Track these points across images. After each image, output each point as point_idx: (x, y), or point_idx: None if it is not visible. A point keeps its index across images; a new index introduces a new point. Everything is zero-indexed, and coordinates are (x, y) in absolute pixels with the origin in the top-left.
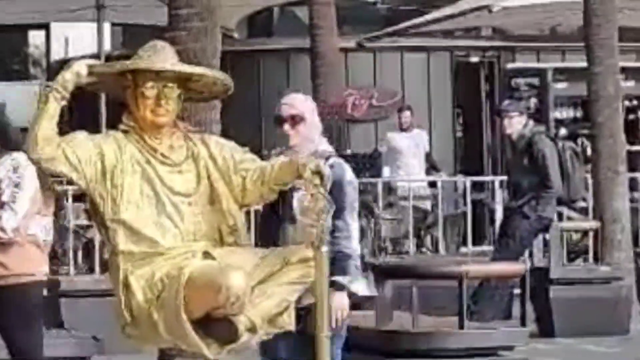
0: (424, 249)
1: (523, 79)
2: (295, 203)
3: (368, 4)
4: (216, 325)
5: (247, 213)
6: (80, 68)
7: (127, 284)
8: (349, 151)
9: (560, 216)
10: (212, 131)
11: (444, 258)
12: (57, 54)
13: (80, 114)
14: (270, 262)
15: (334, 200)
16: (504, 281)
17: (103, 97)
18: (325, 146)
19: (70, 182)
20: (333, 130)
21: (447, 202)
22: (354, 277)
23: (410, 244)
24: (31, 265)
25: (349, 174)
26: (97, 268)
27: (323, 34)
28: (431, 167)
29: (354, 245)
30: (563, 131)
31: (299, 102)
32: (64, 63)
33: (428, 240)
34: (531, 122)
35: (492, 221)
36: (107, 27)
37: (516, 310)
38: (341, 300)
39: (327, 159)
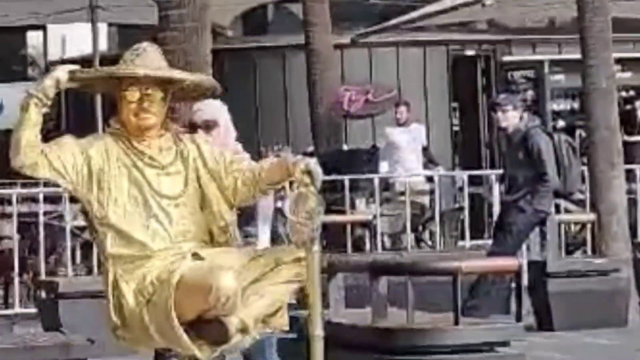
0: (422, 244)
1: (519, 72)
2: (286, 203)
3: None
4: (207, 327)
5: None
6: (60, 75)
7: (118, 288)
8: (346, 147)
9: (557, 208)
10: None
11: (440, 253)
12: (54, 55)
13: (76, 113)
14: (262, 262)
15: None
16: (501, 276)
17: (99, 96)
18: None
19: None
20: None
21: (445, 197)
22: None
23: (408, 239)
24: None
25: None
26: (95, 269)
27: (317, 30)
28: (429, 161)
29: None
30: (560, 123)
31: (213, 109)
32: (61, 63)
33: (426, 235)
34: (527, 116)
35: (490, 215)
36: (103, 27)
37: (514, 305)
38: None
39: None
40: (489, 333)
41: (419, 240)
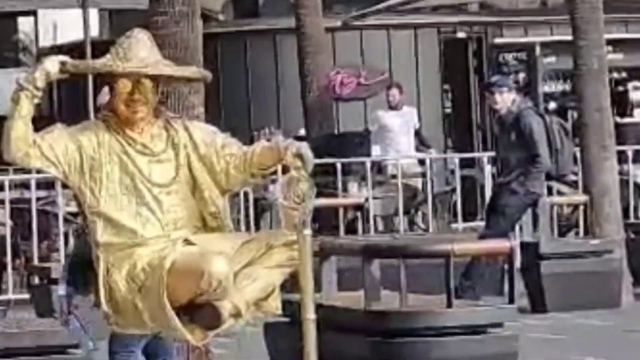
0: (414, 227)
1: (511, 54)
2: (277, 187)
3: None
4: (200, 311)
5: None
6: (50, 67)
7: (110, 276)
8: (337, 130)
9: (550, 190)
10: (196, 115)
11: (433, 236)
12: (45, 41)
13: (67, 99)
14: (254, 246)
15: None
16: (494, 258)
17: (91, 83)
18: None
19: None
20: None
21: (437, 179)
22: None
23: (401, 222)
24: None
25: None
26: None
27: (308, 13)
28: (421, 143)
29: None
30: (552, 105)
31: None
32: (53, 49)
33: (419, 217)
34: (519, 98)
35: (483, 197)
36: (94, 12)
37: (507, 286)
38: None
39: None
40: (482, 315)
41: (411, 223)
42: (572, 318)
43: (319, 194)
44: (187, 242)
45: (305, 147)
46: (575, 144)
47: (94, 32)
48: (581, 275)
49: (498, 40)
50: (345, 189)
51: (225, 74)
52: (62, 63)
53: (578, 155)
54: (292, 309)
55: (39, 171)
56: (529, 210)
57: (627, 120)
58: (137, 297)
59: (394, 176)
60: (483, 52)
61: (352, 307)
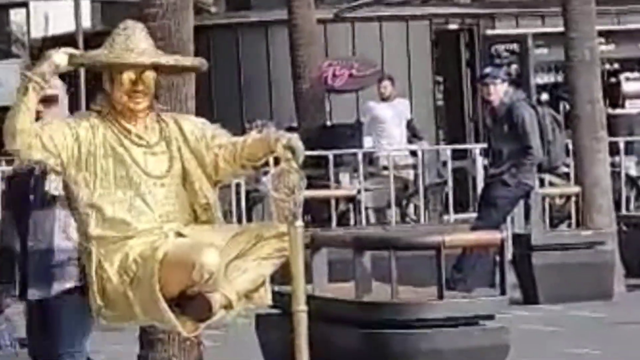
0: (406, 219)
1: (503, 46)
2: (268, 178)
3: None
4: (191, 303)
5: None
6: (59, 59)
7: (102, 269)
8: (329, 122)
9: (542, 182)
10: (188, 107)
11: (424, 227)
12: (37, 32)
13: None
14: (244, 238)
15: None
16: (485, 250)
17: (82, 74)
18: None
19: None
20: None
21: (429, 171)
22: None
23: (393, 214)
24: None
25: None
26: None
27: (300, 5)
28: (413, 135)
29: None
30: (544, 96)
31: (56, 82)
32: (44, 41)
33: (411, 209)
34: (511, 89)
35: (475, 189)
36: (86, 4)
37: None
38: None
39: None
40: (473, 307)
41: (403, 215)
42: (563, 310)
43: (310, 186)
44: (179, 234)
45: (295, 139)
46: (567, 135)
47: (86, 23)
48: (573, 267)
49: (490, 32)
50: (337, 181)
51: (217, 67)
52: (71, 55)
53: (570, 146)
54: (283, 301)
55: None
56: (521, 202)
57: (619, 111)
58: (128, 289)
59: (386, 168)
60: (475, 44)
61: (343, 299)
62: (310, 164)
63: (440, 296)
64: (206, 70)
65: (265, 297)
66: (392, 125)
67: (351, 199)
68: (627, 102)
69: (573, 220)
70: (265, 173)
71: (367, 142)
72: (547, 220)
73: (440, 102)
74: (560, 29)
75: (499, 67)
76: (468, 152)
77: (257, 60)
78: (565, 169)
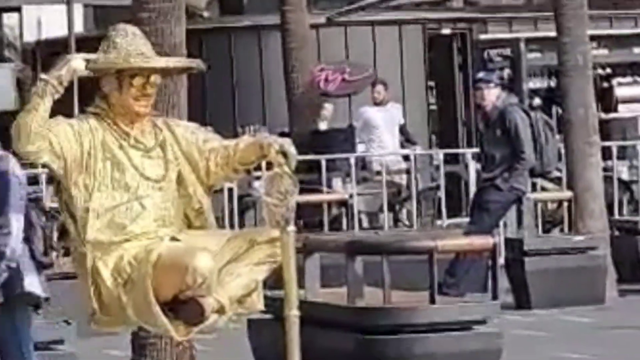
0: (399, 223)
1: (495, 50)
2: (260, 183)
3: None
4: (184, 307)
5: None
6: (78, 64)
7: (97, 272)
8: (322, 126)
9: (534, 186)
10: (180, 111)
11: (417, 232)
12: (30, 36)
13: None
14: (238, 243)
15: None
16: (478, 254)
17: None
18: None
19: (44, 165)
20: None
21: (421, 176)
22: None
23: (385, 219)
24: None
25: (16, 168)
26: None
27: (293, 10)
28: (406, 140)
29: (12, 244)
30: (537, 101)
31: None
32: (38, 45)
33: (404, 214)
34: (504, 94)
35: (467, 193)
36: (79, 8)
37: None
38: None
39: None
40: (465, 311)
41: (396, 220)
42: (556, 314)
43: (302, 191)
44: (174, 239)
45: (288, 144)
46: (560, 140)
47: (79, 28)
48: (565, 272)
49: (483, 37)
50: (329, 185)
51: (209, 71)
52: (87, 61)
53: (562, 151)
54: (275, 305)
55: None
56: (514, 207)
57: (611, 116)
58: (122, 291)
59: (379, 172)
60: (468, 49)
61: (335, 304)
62: (302, 168)
63: (433, 301)
64: (199, 75)
65: (257, 302)
66: (385, 130)
67: (343, 204)
68: (620, 107)
69: (565, 225)
70: (258, 178)
71: (360, 146)
72: (540, 225)
73: (433, 107)
74: (553, 33)
75: (491, 72)
76: (460, 156)
77: (250, 65)
78: (557, 174)
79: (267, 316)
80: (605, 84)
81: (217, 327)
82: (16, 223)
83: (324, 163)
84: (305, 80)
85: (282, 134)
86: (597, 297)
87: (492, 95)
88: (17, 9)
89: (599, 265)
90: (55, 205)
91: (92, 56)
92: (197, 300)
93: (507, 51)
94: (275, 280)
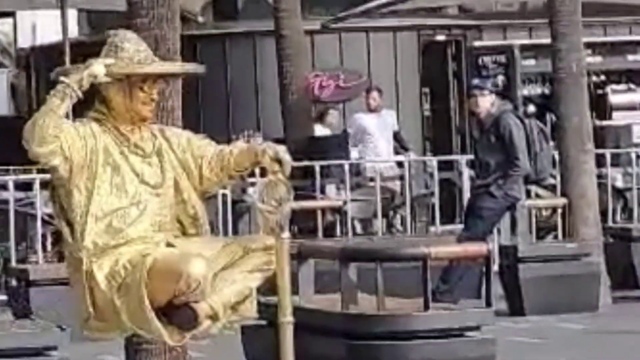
0: (393, 230)
1: (490, 57)
2: (255, 189)
3: None
4: (177, 312)
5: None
6: (98, 69)
7: (92, 275)
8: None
9: (528, 193)
10: (174, 117)
11: (410, 239)
12: (24, 42)
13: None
14: (232, 250)
15: None
16: (472, 261)
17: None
18: None
19: (39, 171)
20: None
21: (415, 182)
22: None
23: (379, 225)
24: None
25: None
26: None
27: (287, 16)
28: (401, 146)
29: None
30: (531, 108)
31: None
32: (32, 50)
33: (397, 220)
34: (498, 101)
35: (461, 200)
36: (73, 13)
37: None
38: None
39: None
40: (459, 318)
41: (390, 226)
42: (550, 321)
43: (296, 197)
44: (169, 244)
45: (283, 151)
46: (554, 147)
47: (73, 34)
48: (559, 279)
49: (477, 43)
50: (323, 192)
51: (204, 77)
52: (107, 65)
53: (557, 158)
54: (269, 312)
55: (16, 171)
56: (507, 214)
57: (606, 123)
58: (115, 296)
59: (373, 179)
60: (462, 55)
61: (329, 310)
62: (296, 174)
63: (427, 307)
64: (193, 80)
65: (251, 309)
66: (379, 137)
67: (337, 210)
68: (614, 114)
69: (559, 232)
70: (252, 184)
71: (354, 153)
72: (534, 232)
73: (427, 113)
74: (547, 40)
75: (486, 79)
76: (455, 163)
77: (244, 71)
78: (551, 181)
79: (261, 322)
80: (600, 91)
81: (211, 333)
82: None
83: (317, 169)
84: (299, 86)
85: (277, 140)
86: (591, 304)
87: (487, 102)
88: (12, 15)
89: (592, 272)
90: (48, 210)
91: (110, 61)
92: (191, 305)
93: (502, 58)
94: (269, 286)
